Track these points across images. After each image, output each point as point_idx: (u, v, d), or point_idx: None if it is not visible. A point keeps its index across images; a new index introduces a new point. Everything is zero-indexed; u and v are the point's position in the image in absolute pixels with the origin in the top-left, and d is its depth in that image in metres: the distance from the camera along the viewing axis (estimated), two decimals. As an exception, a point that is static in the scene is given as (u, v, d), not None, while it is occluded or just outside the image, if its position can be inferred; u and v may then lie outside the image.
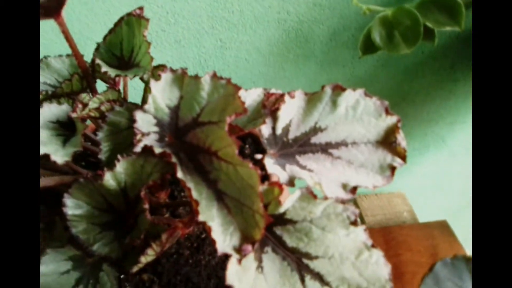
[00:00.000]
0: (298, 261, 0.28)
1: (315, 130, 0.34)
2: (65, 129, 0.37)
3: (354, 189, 0.31)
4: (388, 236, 0.79)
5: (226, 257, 0.42)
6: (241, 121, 0.36)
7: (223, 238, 0.26)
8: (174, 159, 0.27)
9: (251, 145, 0.53)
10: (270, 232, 0.30)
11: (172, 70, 0.31)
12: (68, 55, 0.48)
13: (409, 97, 0.75)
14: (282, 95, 0.36)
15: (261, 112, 0.35)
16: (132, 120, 0.31)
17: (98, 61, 0.37)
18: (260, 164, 0.32)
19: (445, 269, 0.31)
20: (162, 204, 0.43)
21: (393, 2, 0.56)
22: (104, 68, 0.36)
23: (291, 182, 0.30)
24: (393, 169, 0.32)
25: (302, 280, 0.27)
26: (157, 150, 0.27)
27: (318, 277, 0.27)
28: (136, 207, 0.31)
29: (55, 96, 0.44)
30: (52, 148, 0.31)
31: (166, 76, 0.31)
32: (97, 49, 0.42)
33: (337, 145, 0.33)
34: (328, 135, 0.34)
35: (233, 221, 0.27)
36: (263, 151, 0.35)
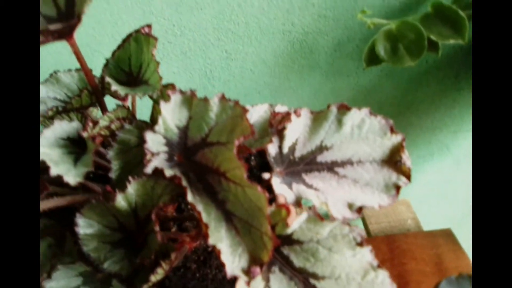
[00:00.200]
0: (305, 281, 0.29)
1: (321, 148, 0.34)
2: (76, 146, 0.38)
3: (360, 209, 0.31)
4: (393, 245, 0.79)
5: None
6: (248, 139, 0.36)
7: (232, 260, 0.27)
8: (184, 183, 0.28)
9: (256, 158, 0.53)
10: (278, 252, 0.31)
11: (181, 92, 0.32)
12: (77, 70, 0.49)
13: (413, 106, 0.75)
14: (288, 114, 0.37)
15: (268, 131, 0.35)
16: (142, 140, 0.31)
17: (108, 79, 0.38)
18: (267, 183, 0.33)
19: (450, 286, 0.32)
20: (170, 218, 0.44)
21: (397, 14, 0.57)
22: (114, 87, 0.36)
23: (298, 203, 0.31)
24: (398, 188, 0.33)
25: (309, 301, 0.28)
26: (168, 173, 0.28)
27: (325, 297, 0.28)
28: (146, 227, 0.31)
29: (65, 111, 0.44)
30: (64, 168, 0.31)
31: (175, 97, 0.31)
32: (106, 65, 0.43)
33: (342, 164, 0.34)
34: (334, 153, 0.34)
35: (242, 242, 0.27)
36: (270, 168, 0.35)
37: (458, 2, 0.50)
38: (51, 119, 0.45)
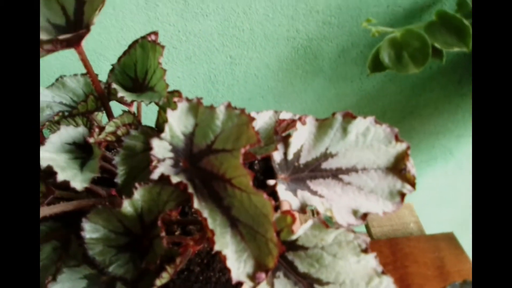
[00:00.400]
0: (310, 287, 0.29)
1: (326, 155, 0.35)
2: (82, 151, 0.38)
3: (364, 216, 0.31)
4: (395, 248, 0.79)
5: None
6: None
7: (237, 266, 0.27)
8: (190, 189, 0.28)
9: (260, 162, 0.53)
10: (282, 257, 0.31)
11: (188, 100, 0.32)
12: (83, 74, 0.49)
13: (416, 111, 0.75)
14: (293, 121, 0.37)
15: (273, 138, 0.36)
16: (149, 146, 0.32)
17: (114, 85, 0.38)
18: (271, 189, 0.33)
19: (454, 294, 0.32)
20: (174, 221, 0.44)
21: (401, 22, 0.57)
22: (121, 93, 0.37)
23: (302, 209, 0.31)
24: (402, 195, 0.33)
25: (314, 307, 0.28)
26: (174, 179, 0.28)
27: (330, 304, 0.28)
28: (152, 231, 0.31)
29: (71, 116, 0.45)
30: (71, 174, 0.32)
31: (182, 105, 0.32)
32: (112, 70, 0.43)
33: (347, 171, 0.34)
34: (338, 161, 0.34)
35: (247, 248, 0.28)
36: (274, 173, 0.36)
37: (462, 10, 0.50)
38: (57, 123, 0.45)
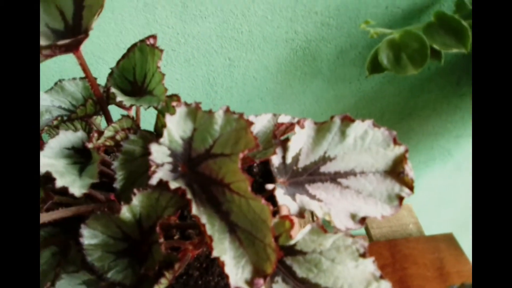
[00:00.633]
0: (308, 292, 0.29)
1: (324, 159, 0.35)
2: (80, 155, 0.39)
3: (363, 220, 0.31)
4: (394, 249, 0.79)
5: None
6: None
7: (236, 272, 0.27)
8: (189, 195, 0.28)
9: (259, 165, 0.53)
10: (281, 262, 0.31)
11: (186, 104, 0.32)
12: (82, 78, 0.49)
13: (415, 112, 0.75)
14: (292, 124, 0.37)
15: (272, 142, 0.36)
16: (147, 151, 0.32)
17: (113, 89, 0.38)
18: (270, 194, 0.33)
19: (453, 297, 0.32)
20: (173, 226, 0.44)
21: (399, 23, 0.57)
22: (119, 98, 0.37)
23: (301, 214, 0.31)
24: (401, 199, 0.33)
25: (313, 312, 0.28)
26: (173, 185, 0.28)
27: (328, 309, 0.28)
28: (151, 237, 0.31)
29: (69, 120, 0.45)
30: (70, 179, 0.32)
31: (180, 110, 0.32)
32: (110, 74, 0.43)
33: (346, 175, 0.34)
34: (337, 164, 0.34)
35: (245, 254, 0.28)
36: (273, 177, 0.36)
37: (461, 11, 0.50)
38: (56, 128, 0.45)
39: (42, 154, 0.34)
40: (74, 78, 0.49)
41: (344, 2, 0.57)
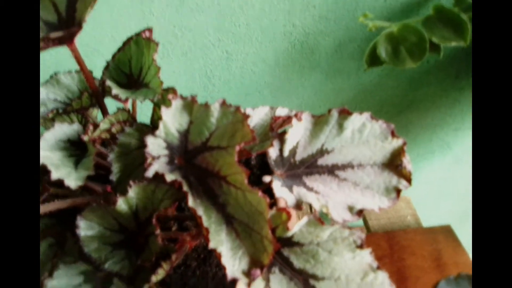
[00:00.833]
0: (305, 282, 0.29)
1: (322, 152, 0.35)
2: (76, 148, 0.38)
3: (360, 212, 0.31)
4: (392, 241, 0.79)
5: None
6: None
7: (232, 263, 0.27)
8: (185, 188, 0.28)
9: (256, 158, 0.53)
10: (278, 253, 0.31)
11: (182, 97, 0.32)
12: (77, 71, 0.49)
13: (414, 105, 0.75)
14: (289, 117, 0.37)
15: (269, 134, 0.35)
16: (143, 144, 0.32)
17: (108, 82, 0.38)
18: (267, 186, 0.33)
19: (449, 286, 0.32)
20: (170, 217, 0.44)
21: (398, 16, 0.57)
22: (115, 91, 0.36)
23: (298, 206, 0.31)
24: (398, 191, 0.33)
25: (309, 303, 0.28)
26: (169, 178, 0.28)
27: (325, 300, 0.28)
28: (147, 228, 0.31)
29: (65, 113, 0.44)
30: (65, 172, 0.31)
31: (176, 103, 0.32)
32: (106, 67, 0.43)
33: (343, 167, 0.34)
34: (334, 157, 0.34)
35: (242, 245, 0.28)
36: (270, 169, 0.36)
37: (460, 4, 0.50)
38: (52, 120, 0.45)
39: (37, 147, 0.34)
40: (69, 71, 0.48)
41: (342, -6, 0.56)
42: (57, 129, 0.38)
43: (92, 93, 0.40)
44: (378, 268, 0.29)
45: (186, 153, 0.33)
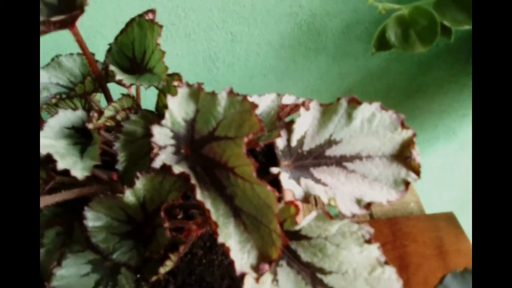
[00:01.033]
0: (313, 275, 0.29)
1: (330, 142, 0.34)
2: (81, 135, 0.38)
3: (368, 205, 0.31)
4: (395, 227, 0.80)
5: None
6: (256, 133, 0.36)
7: (241, 256, 0.27)
8: (193, 180, 0.27)
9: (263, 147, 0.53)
10: (285, 246, 0.31)
11: (188, 85, 0.31)
12: (79, 54, 0.48)
13: (421, 89, 0.74)
14: (296, 106, 0.36)
15: (276, 124, 0.35)
16: (149, 132, 0.31)
17: (111, 67, 0.37)
18: (272, 177, 0.32)
19: (455, 281, 0.32)
20: (176, 205, 0.44)
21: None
22: (119, 76, 0.35)
23: (306, 199, 0.30)
24: (407, 184, 0.32)
25: (316, 296, 0.28)
26: (176, 169, 0.28)
27: (332, 292, 0.28)
28: (155, 219, 0.31)
29: (68, 98, 0.44)
30: (71, 161, 0.31)
31: (182, 91, 0.31)
32: (109, 50, 0.42)
33: (351, 158, 0.33)
34: (343, 147, 0.34)
35: (250, 238, 0.27)
36: (277, 159, 0.35)
37: (475, -14, 0.48)
38: (55, 106, 0.44)
39: (42, 134, 0.33)
40: (71, 54, 0.47)
41: (352, -26, 0.54)
42: (61, 115, 0.37)
43: (95, 78, 0.39)
44: (386, 262, 0.29)
45: (192, 142, 0.32)
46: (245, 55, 0.63)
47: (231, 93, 0.30)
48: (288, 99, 0.40)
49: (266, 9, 0.57)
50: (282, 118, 0.35)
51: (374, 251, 0.29)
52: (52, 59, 0.46)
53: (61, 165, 0.30)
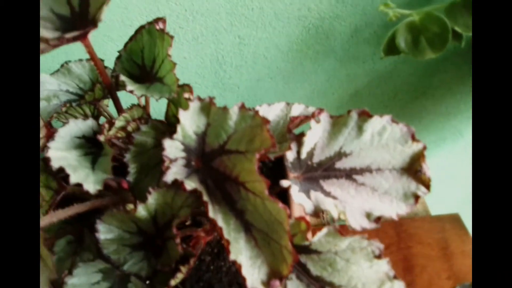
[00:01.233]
0: (322, 289, 0.30)
1: (340, 155, 0.34)
2: (92, 144, 0.38)
3: (378, 219, 0.31)
4: (400, 228, 0.80)
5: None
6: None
7: (252, 272, 0.27)
8: (205, 197, 0.28)
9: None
10: (295, 260, 0.31)
11: (200, 99, 0.31)
12: (88, 60, 0.48)
13: (429, 91, 0.73)
14: (306, 117, 0.36)
15: (286, 136, 0.35)
16: (160, 144, 0.31)
17: (122, 77, 0.37)
18: (280, 188, 0.32)
19: (463, 293, 0.32)
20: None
21: (422, 2, 0.54)
22: (130, 87, 0.36)
23: (316, 213, 0.31)
24: (417, 197, 0.32)
25: (326, 311, 0.28)
26: (188, 186, 0.28)
27: (342, 308, 0.28)
28: (166, 232, 0.32)
29: (78, 106, 0.44)
30: (83, 174, 0.31)
31: (194, 105, 0.31)
32: (118, 58, 0.42)
33: (361, 171, 0.33)
34: (352, 160, 0.34)
35: (261, 254, 0.28)
36: (285, 171, 0.35)
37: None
38: (66, 113, 0.45)
39: (53, 145, 0.34)
40: (80, 60, 0.47)
41: (361, -23, 0.54)
42: (72, 125, 0.37)
43: (106, 88, 0.39)
44: (395, 277, 0.29)
45: (203, 155, 0.32)
46: (252, 58, 0.63)
47: (242, 107, 0.30)
48: (297, 108, 0.40)
49: (274, 13, 0.57)
50: (292, 130, 0.35)
51: (383, 265, 0.30)
52: (62, 66, 0.46)
53: (73, 179, 0.30)
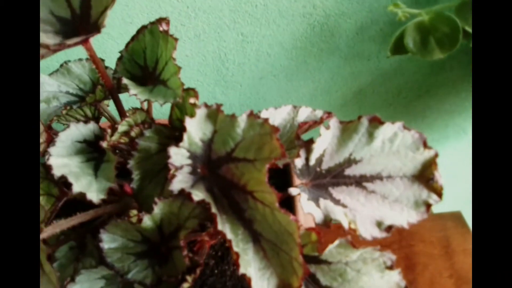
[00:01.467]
0: (331, 300, 0.29)
1: (350, 161, 0.33)
2: (93, 148, 0.37)
3: (389, 228, 0.31)
4: (401, 226, 0.80)
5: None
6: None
7: (261, 284, 0.26)
8: (213, 209, 0.27)
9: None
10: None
11: (207, 106, 0.30)
12: (87, 59, 0.46)
13: (433, 89, 0.72)
14: (315, 122, 0.35)
15: (294, 142, 0.34)
16: (166, 154, 0.30)
17: (125, 80, 0.36)
18: (286, 194, 0.32)
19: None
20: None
21: (431, 0, 0.53)
22: (133, 91, 0.34)
23: (326, 223, 0.30)
24: (428, 206, 0.32)
25: (337, 323, 0.28)
26: (196, 196, 0.27)
27: (353, 320, 0.28)
28: (171, 241, 0.31)
29: (79, 107, 0.43)
30: (86, 182, 0.30)
31: (200, 112, 0.30)
32: (120, 58, 0.41)
33: (371, 178, 0.33)
34: (363, 167, 0.33)
35: (270, 265, 0.27)
36: (290, 177, 0.34)
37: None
38: (67, 115, 0.43)
39: (54, 151, 0.33)
40: (80, 59, 0.46)
41: (367, -27, 0.52)
42: (73, 129, 0.36)
43: (108, 91, 0.38)
44: (406, 287, 0.29)
45: (209, 162, 0.32)
46: (255, 55, 0.62)
47: (251, 115, 0.29)
48: (304, 112, 0.40)
49: (278, 10, 0.56)
50: (301, 137, 0.34)
51: (394, 276, 0.29)
52: (61, 65, 0.45)
53: (76, 188, 0.29)
